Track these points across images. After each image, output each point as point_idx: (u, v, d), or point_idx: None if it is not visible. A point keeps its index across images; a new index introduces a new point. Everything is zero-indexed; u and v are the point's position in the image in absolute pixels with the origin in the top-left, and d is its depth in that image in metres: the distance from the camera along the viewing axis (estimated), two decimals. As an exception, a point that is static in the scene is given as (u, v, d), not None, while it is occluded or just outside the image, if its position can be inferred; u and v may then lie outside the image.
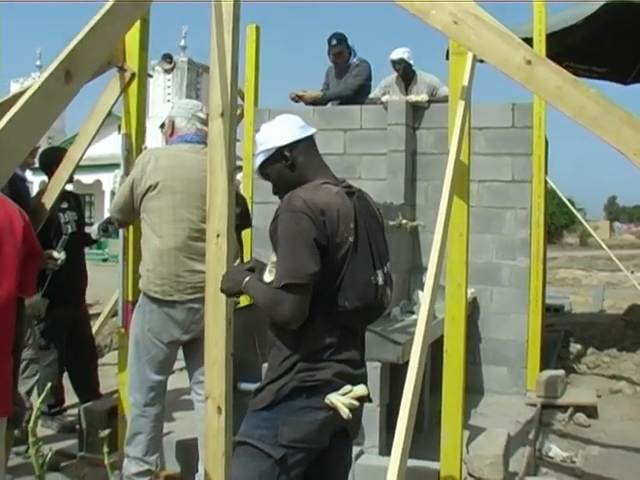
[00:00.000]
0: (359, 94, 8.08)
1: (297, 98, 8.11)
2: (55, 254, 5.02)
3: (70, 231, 5.86)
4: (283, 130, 2.99)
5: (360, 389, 2.86)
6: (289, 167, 2.98)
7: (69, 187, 5.98)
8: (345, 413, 2.79)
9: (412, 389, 2.53)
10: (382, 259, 2.96)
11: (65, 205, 5.99)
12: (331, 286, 2.82)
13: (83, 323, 6.32)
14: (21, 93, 4.13)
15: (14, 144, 2.30)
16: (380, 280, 2.91)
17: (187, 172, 4.30)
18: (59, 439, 5.45)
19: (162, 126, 4.73)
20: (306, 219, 2.76)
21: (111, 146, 28.67)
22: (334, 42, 8.18)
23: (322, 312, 2.83)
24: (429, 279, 2.96)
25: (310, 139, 3.03)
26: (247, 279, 2.98)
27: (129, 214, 4.50)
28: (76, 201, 6.35)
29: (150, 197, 4.31)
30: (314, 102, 8.04)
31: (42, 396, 3.55)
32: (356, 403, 2.82)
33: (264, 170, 3.05)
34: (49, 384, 4.10)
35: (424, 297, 2.93)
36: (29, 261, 3.13)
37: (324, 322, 2.85)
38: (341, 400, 2.80)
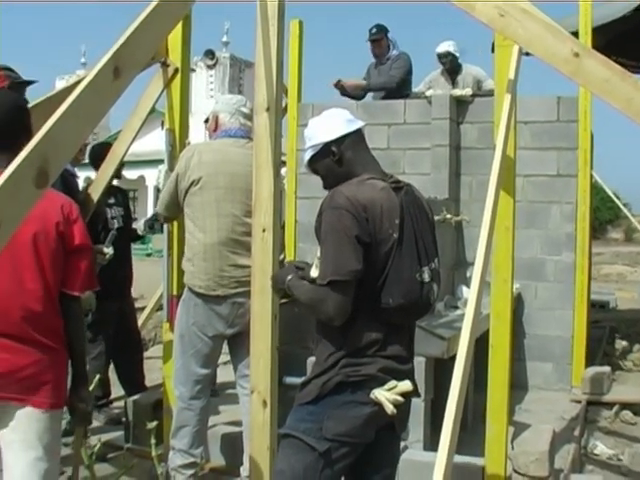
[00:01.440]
0: (401, 87, 8.06)
1: (340, 85, 8.12)
2: (104, 249, 5.11)
3: (117, 226, 5.93)
4: (330, 125, 2.99)
5: (405, 385, 2.85)
6: (337, 162, 2.98)
7: (116, 182, 6.07)
8: (389, 409, 2.79)
9: (459, 384, 2.51)
10: (429, 255, 2.94)
11: (112, 200, 6.07)
12: (375, 283, 2.82)
13: (129, 317, 6.39)
14: (67, 89, 4.21)
15: (65, 140, 2.33)
16: (426, 277, 2.90)
17: (231, 167, 4.32)
18: (106, 431, 5.52)
19: (206, 121, 4.76)
20: (348, 216, 2.76)
21: (155, 142, 28.92)
22: (373, 30, 8.23)
23: (367, 308, 2.84)
24: (476, 274, 2.94)
25: (358, 133, 3.01)
26: (290, 277, 2.99)
27: (174, 209, 4.54)
28: (123, 196, 6.42)
29: (193, 192, 4.34)
30: (355, 92, 8.05)
31: (91, 388, 3.60)
32: (400, 399, 2.82)
33: (313, 165, 3.06)
34: (97, 376, 4.16)
35: (471, 292, 2.90)
36: (74, 257, 3.15)
37: (369, 318, 2.85)
38: (385, 395, 2.80)
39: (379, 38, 8.22)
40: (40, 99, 4.19)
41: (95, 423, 5.81)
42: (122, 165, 5.91)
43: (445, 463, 2.22)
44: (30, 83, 4.78)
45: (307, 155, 3.06)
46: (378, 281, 2.82)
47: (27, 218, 2.24)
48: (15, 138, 2.83)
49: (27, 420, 3.01)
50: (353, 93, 8.18)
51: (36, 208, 2.31)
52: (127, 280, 6.30)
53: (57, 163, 2.30)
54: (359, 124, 3.04)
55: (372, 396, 2.82)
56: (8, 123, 3.02)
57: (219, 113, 4.58)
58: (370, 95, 8.41)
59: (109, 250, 5.41)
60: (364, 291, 2.81)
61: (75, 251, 3.15)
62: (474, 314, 2.76)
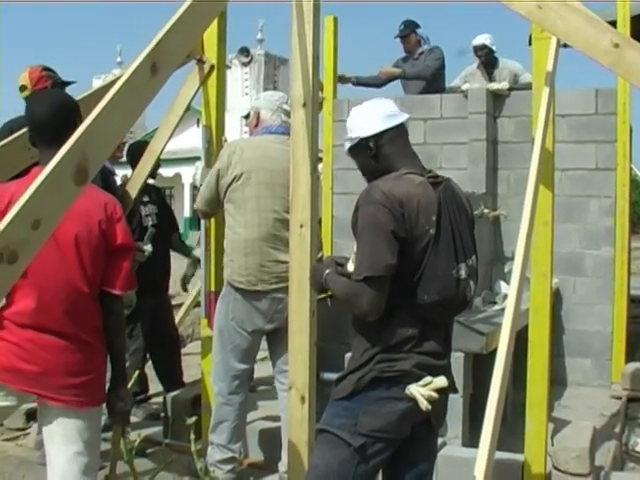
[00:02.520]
0: (435, 80, 8.02)
1: (345, 79, 8.10)
2: (143, 246, 5.16)
3: (151, 223, 5.96)
4: (369, 120, 2.98)
5: (440, 381, 2.84)
6: (373, 157, 2.98)
7: (151, 181, 6.11)
8: (423, 405, 2.78)
9: (500, 380, 2.49)
10: (467, 252, 2.92)
11: (146, 198, 6.09)
12: (411, 279, 2.81)
13: (166, 313, 6.41)
14: (103, 87, 4.23)
15: (104, 137, 2.35)
16: (463, 274, 2.89)
17: (272, 163, 4.33)
18: (145, 426, 5.56)
19: (246, 117, 4.77)
20: (384, 211, 2.76)
21: (191, 139, 29.05)
22: (401, 27, 8.23)
23: (402, 304, 2.83)
24: (516, 269, 2.91)
25: (399, 128, 2.99)
26: (327, 272, 3.00)
27: (214, 205, 4.55)
28: (157, 195, 6.43)
29: (235, 188, 4.36)
30: (387, 79, 8.06)
31: (130, 384, 3.63)
32: (435, 395, 2.80)
33: (351, 156, 3.09)
34: (136, 373, 4.19)
35: (511, 287, 2.87)
36: (117, 256, 3.17)
37: (404, 314, 2.84)
38: (420, 391, 2.79)
39: (407, 34, 8.21)
40: (77, 98, 4.22)
41: (134, 418, 5.85)
42: (158, 164, 5.95)
43: (486, 459, 2.20)
44: (70, 84, 4.83)
45: (345, 146, 3.10)
46: (414, 277, 2.81)
47: (70, 215, 2.26)
48: (62, 135, 2.86)
49: (66, 417, 3.05)
50: (383, 81, 8.16)
51: (79, 205, 2.34)
52: (163, 277, 6.32)
53: (96, 160, 2.32)
54: (400, 119, 3.00)
55: (407, 392, 2.81)
56: (58, 120, 3.06)
57: (260, 109, 4.60)
58: (395, 86, 8.42)
59: (148, 247, 5.46)
60: (400, 287, 2.81)
61: (117, 250, 3.17)
62: (514, 309, 2.73)
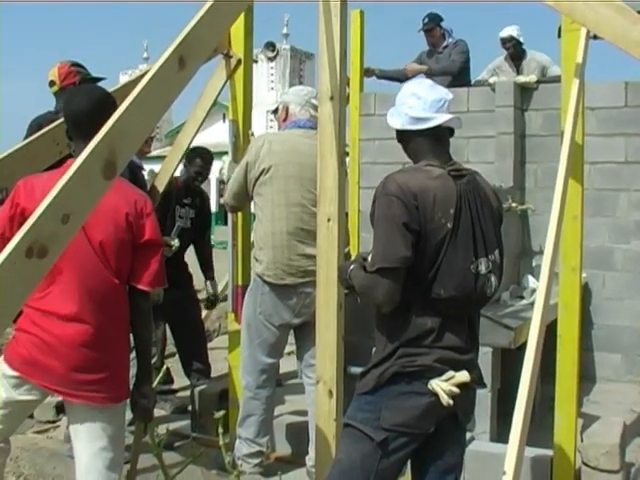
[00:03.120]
0: (461, 73, 7.97)
1: (370, 71, 8.07)
2: (170, 241, 5.18)
3: (182, 226, 5.96)
4: (399, 112, 2.99)
5: (462, 375, 2.81)
6: (401, 142, 3.03)
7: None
8: (444, 400, 2.77)
9: (530, 375, 2.47)
10: (488, 247, 2.89)
11: (187, 200, 6.04)
12: (427, 273, 2.80)
13: (191, 306, 6.39)
14: (130, 82, 4.26)
15: (132, 131, 2.35)
16: (483, 269, 2.86)
17: (300, 157, 4.33)
18: (172, 420, 5.57)
19: (275, 112, 4.78)
20: (398, 203, 2.76)
21: (216, 135, 29.15)
22: (425, 20, 8.19)
23: (419, 298, 2.83)
24: (545, 263, 2.88)
25: (424, 131, 2.94)
26: (352, 267, 3.00)
27: (243, 199, 4.56)
28: (202, 200, 6.33)
29: (263, 181, 4.37)
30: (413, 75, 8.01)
31: (158, 378, 3.64)
32: (456, 390, 2.78)
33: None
34: (163, 369, 4.20)
35: (541, 281, 2.85)
36: (144, 251, 3.18)
37: (423, 308, 2.84)
38: (441, 386, 2.78)
39: (431, 28, 8.17)
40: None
41: (162, 412, 5.88)
42: (202, 171, 5.96)
43: (516, 454, 2.18)
44: (99, 80, 4.86)
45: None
46: (430, 271, 2.80)
47: (98, 208, 2.27)
48: (98, 130, 2.87)
49: (89, 414, 3.08)
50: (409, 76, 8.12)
51: (108, 199, 2.34)
52: (185, 269, 6.28)
53: (124, 154, 2.32)
54: (427, 124, 2.94)
55: (429, 386, 2.80)
56: (96, 115, 3.06)
57: (289, 104, 4.61)
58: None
59: (175, 242, 5.48)
60: (416, 281, 2.81)
61: (145, 245, 3.18)
62: (544, 303, 2.71)
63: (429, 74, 8.09)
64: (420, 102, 2.95)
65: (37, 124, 4.36)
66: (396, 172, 2.91)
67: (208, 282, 6.40)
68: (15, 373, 3.02)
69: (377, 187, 2.87)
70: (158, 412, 5.81)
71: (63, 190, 2.05)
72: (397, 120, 2.99)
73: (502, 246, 3.02)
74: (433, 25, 8.16)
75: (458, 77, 7.89)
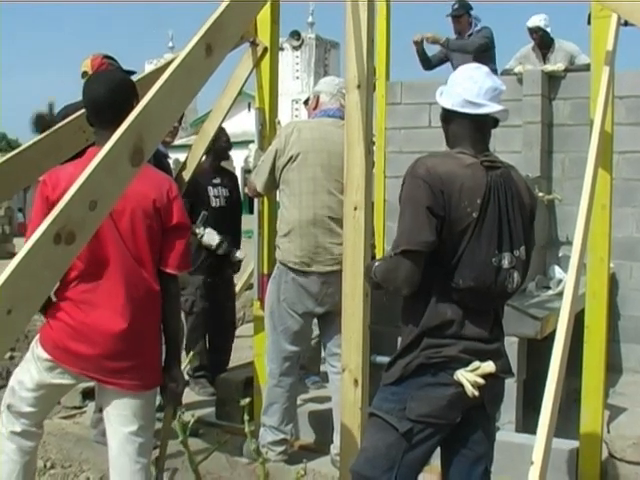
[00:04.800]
0: (481, 57, 7.89)
1: (419, 38, 8.03)
2: (196, 229, 5.20)
3: (217, 205, 5.99)
4: (453, 92, 2.95)
5: (488, 366, 2.80)
6: (444, 122, 3.01)
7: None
8: (469, 390, 2.76)
9: (558, 365, 2.46)
10: (514, 242, 2.87)
11: (217, 180, 6.10)
12: (449, 260, 2.80)
13: (226, 295, 6.36)
14: (156, 71, 4.25)
15: (159, 117, 2.36)
16: (505, 263, 2.84)
17: (329, 145, 4.32)
18: (197, 407, 5.59)
19: (306, 102, 4.79)
20: (425, 186, 2.75)
21: (241, 124, 29.21)
22: (455, 6, 8.13)
23: (440, 286, 2.82)
24: (574, 253, 2.86)
25: (471, 116, 2.91)
26: (376, 264, 3.01)
27: (270, 185, 4.55)
28: (230, 179, 6.39)
29: (291, 168, 4.36)
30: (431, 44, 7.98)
31: (187, 360, 3.65)
32: (480, 380, 2.77)
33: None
34: (191, 353, 4.22)
35: (569, 271, 2.83)
36: (172, 235, 3.18)
37: (443, 297, 2.83)
38: (466, 377, 2.77)
39: (460, 14, 8.11)
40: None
41: (192, 396, 5.88)
42: (229, 147, 6.02)
43: (544, 445, 2.17)
44: (131, 73, 4.87)
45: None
46: (452, 259, 2.80)
47: (125, 194, 2.28)
48: (119, 116, 2.88)
49: (121, 399, 3.11)
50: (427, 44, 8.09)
51: (135, 184, 2.35)
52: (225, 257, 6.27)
53: (152, 141, 2.33)
54: (478, 110, 2.90)
55: (455, 377, 2.80)
56: (115, 101, 3.08)
57: (320, 93, 4.62)
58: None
59: (200, 230, 5.50)
60: (437, 268, 2.80)
61: (173, 229, 3.18)
62: (573, 293, 2.69)
63: (445, 46, 8.03)
64: (476, 86, 2.91)
65: (64, 114, 4.37)
66: (427, 156, 2.90)
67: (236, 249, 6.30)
68: (48, 356, 3.05)
69: (407, 168, 2.87)
70: (186, 396, 5.86)
71: (91, 177, 2.06)
72: (447, 99, 2.96)
73: (531, 243, 2.99)
74: (462, 12, 8.10)
75: (477, 58, 7.83)
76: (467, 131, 2.93)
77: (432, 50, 8.36)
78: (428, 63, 8.29)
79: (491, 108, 2.91)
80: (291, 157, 4.35)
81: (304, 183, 4.35)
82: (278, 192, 4.56)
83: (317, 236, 4.33)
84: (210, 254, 5.90)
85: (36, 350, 3.10)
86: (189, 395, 5.74)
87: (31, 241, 1.90)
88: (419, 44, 8.10)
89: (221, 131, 5.75)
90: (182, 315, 5.27)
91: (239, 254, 6.15)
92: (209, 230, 5.80)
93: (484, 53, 7.88)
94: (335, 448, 4.30)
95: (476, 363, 2.80)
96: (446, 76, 3.10)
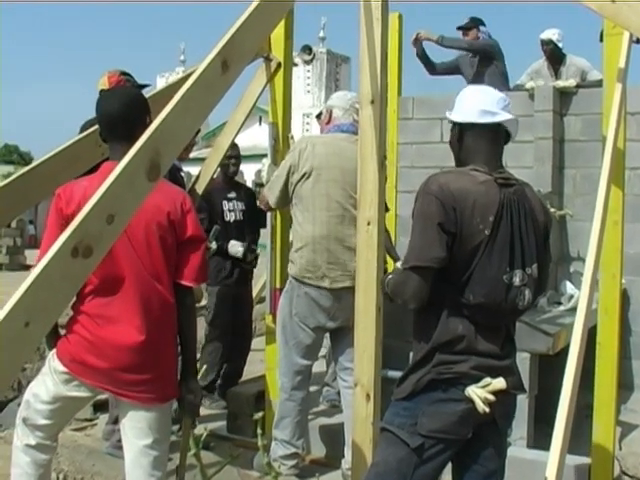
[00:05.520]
0: (487, 64, 7.91)
1: (414, 38, 8.05)
2: (207, 243, 5.22)
3: (233, 219, 6.01)
4: (465, 107, 2.98)
5: (499, 382, 2.80)
6: (457, 140, 3.01)
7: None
8: (480, 407, 2.76)
9: (572, 382, 2.46)
10: (526, 259, 2.87)
11: (232, 194, 6.12)
12: (460, 276, 2.80)
13: (243, 308, 6.37)
14: (169, 87, 4.29)
15: (176, 133, 2.38)
16: (517, 281, 2.84)
17: (343, 161, 4.33)
18: (209, 420, 5.60)
19: (318, 116, 4.80)
20: (436, 202, 2.76)
21: (252, 138, 29.29)
22: (466, 20, 8.15)
23: (451, 301, 2.83)
24: (587, 269, 2.86)
25: (487, 126, 2.94)
26: (389, 277, 3.03)
27: (283, 200, 4.57)
28: (246, 193, 6.40)
29: (305, 183, 4.38)
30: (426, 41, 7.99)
31: (201, 372, 3.66)
32: (491, 397, 2.77)
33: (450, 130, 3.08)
34: (203, 367, 4.22)
35: (583, 287, 2.83)
36: (187, 247, 3.20)
37: (453, 312, 2.84)
38: (477, 393, 2.77)
39: (469, 27, 8.12)
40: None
41: (202, 410, 5.89)
42: (236, 162, 6.04)
43: (557, 462, 2.17)
44: (145, 87, 4.92)
45: (447, 115, 3.09)
46: (463, 275, 2.80)
47: (140, 208, 2.30)
48: (132, 131, 2.91)
49: (137, 412, 3.13)
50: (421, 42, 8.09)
51: (149, 198, 2.37)
52: (244, 270, 6.29)
53: (168, 156, 2.35)
54: (493, 119, 2.94)
55: (465, 393, 2.80)
56: (129, 116, 3.11)
57: (333, 108, 4.63)
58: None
59: (212, 245, 5.53)
60: (448, 284, 2.81)
61: (188, 241, 3.20)
62: (586, 310, 2.69)
63: (440, 43, 8.02)
64: (488, 97, 2.98)
65: (82, 128, 4.41)
66: (441, 172, 2.93)
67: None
68: (65, 369, 3.08)
69: (421, 185, 2.89)
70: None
71: (108, 191, 2.08)
72: (461, 115, 2.99)
73: (544, 261, 2.98)
74: (472, 25, 8.11)
75: (485, 69, 7.88)
76: (482, 146, 2.95)
77: (441, 56, 8.38)
78: (432, 67, 8.29)
79: (505, 116, 2.95)
80: (305, 173, 4.37)
81: (318, 199, 4.36)
82: (291, 207, 4.57)
83: (330, 252, 4.34)
84: (235, 265, 5.95)
85: (53, 363, 3.12)
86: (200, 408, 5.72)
87: (49, 254, 1.91)
88: (417, 45, 8.10)
89: (233, 147, 5.78)
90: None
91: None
92: (232, 242, 5.88)
93: (489, 62, 7.92)
94: (346, 463, 4.30)
95: (487, 379, 2.80)
96: (458, 89, 3.12)
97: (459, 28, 8.21)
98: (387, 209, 7.01)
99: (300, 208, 4.45)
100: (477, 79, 7.84)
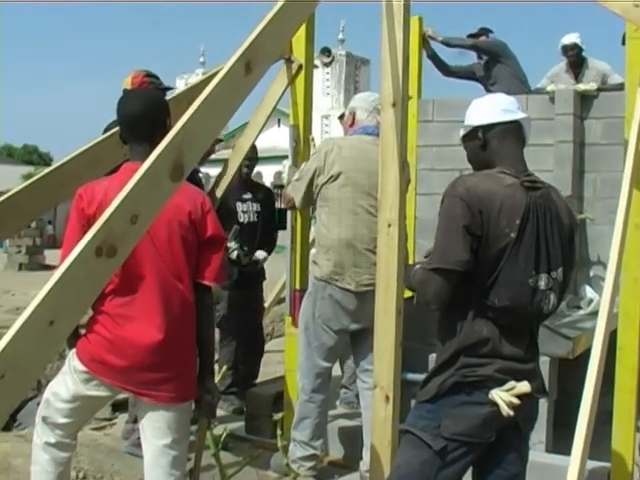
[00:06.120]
0: (494, 64, 7.89)
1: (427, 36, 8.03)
2: (227, 244, 5.23)
3: (247, 221, 6.02)
4: (484, 110, 2.99)
5: (524, 386, 2.79)
6: (481, 147, 2.98)
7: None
8: (504, 410, 2.75)
9: (593, 386, 2.45)
10: (552, 263, 2.86)
11: (248, 196, 6.13)
12: (486, 279, 2.80)
13: (254, 310, 6.39)
14: (189, 89, 4.31)
15: (200, 134, 2.39)
16: (542, 284, 2.83)
17: (369, 164, 4.30)
18: (228, 420, 5.61)
19: (341, 117, 4.80)
20: (462, 205, 2.76)
21: (271, 139, 29.32)
22: (478, 28, 8.15)
23: (476, 304, 2.83)
24: (609, 273, 2.85)
25: (512, 124, 2.96)
26: (416, 267, 3.02)
27: (307, 201, 4.59)
28: (264, 194, 6.42)
29: (331, 186, 4.38)
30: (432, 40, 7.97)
31: (219, 375, 3.67)
32: (516, 401, 2.76)
33: (463, 143, 3.08)
34: (224, 367, 4.23)
35: (604, 291, 2.82)
36: (207, 247, 3.21)
37: (479, 316, 2.83)
38: (502, 396, 2.76)
39: (479, 34, 8.11)
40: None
41: (220, 412, 5.91)
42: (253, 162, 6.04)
43: (578, 467, 2.16)
44: (169, 89, 4.94)
45: (460, 132, 3.09)
46: (488, 279, 2.79)
47: (162, 208, 2.31)
48: (152, 132, 2.93)
49: (156, 412, 3.13)
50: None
51: (171, 198, 2.38)
52: (257, 272, 6.32)
53: (192, 157, 2.36)
54: (514, 116, 2.97)
55: (490, 396, 2.79)
56: (149, 117, 3.13)
57: (356, 110, 4.62)
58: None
59: (232, 244, 5.53)
60: (474, 286, 2.81)
61: (208, 241, 3.22)
62: (608, 315, 2.68)
63: (444, 43, 8.01)
64: (502, 99, 3.05)
65: (106, 129, 4.44)
66: (468, 175, 2.93)
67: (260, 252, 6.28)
68: (85, 369, 3.09)
69: (447, 187, 2.89)
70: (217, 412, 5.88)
71: (132, 191, 2.10)
72: (482, 118, 2.98)
73: (569, 265, 2.97)
74: (482, 33, 8.11)
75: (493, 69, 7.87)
76: (508, 147, 2.95)
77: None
78: (445, 68, 8.25)
79: (522, 114, 2.99)
80: (332, 176, 4.36)
81: (344, 202, 4.36)
82: (316, 208, 4.58)
83: (356, 255, 4.34)
84: (241, 269, 5.94)
85: (73, 362, 3.14)
86: (217, 410, 5.74)
87: (73, 254, 1.93)
88: (426, 46, 8.08)
89: (252, 149, 5.79)
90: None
91: (259, 254, 6.12)
92: (227, 245, 5.83)
93: (495, 62, 7.90)
94: (364, 464, 4.29)
95: (512, 383, 2.79)
96: (476, 94, 3.13)
97: (470, 35, 8.21)
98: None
99: (326, 210, 4.45)
100: (486, 80, 7.85)
